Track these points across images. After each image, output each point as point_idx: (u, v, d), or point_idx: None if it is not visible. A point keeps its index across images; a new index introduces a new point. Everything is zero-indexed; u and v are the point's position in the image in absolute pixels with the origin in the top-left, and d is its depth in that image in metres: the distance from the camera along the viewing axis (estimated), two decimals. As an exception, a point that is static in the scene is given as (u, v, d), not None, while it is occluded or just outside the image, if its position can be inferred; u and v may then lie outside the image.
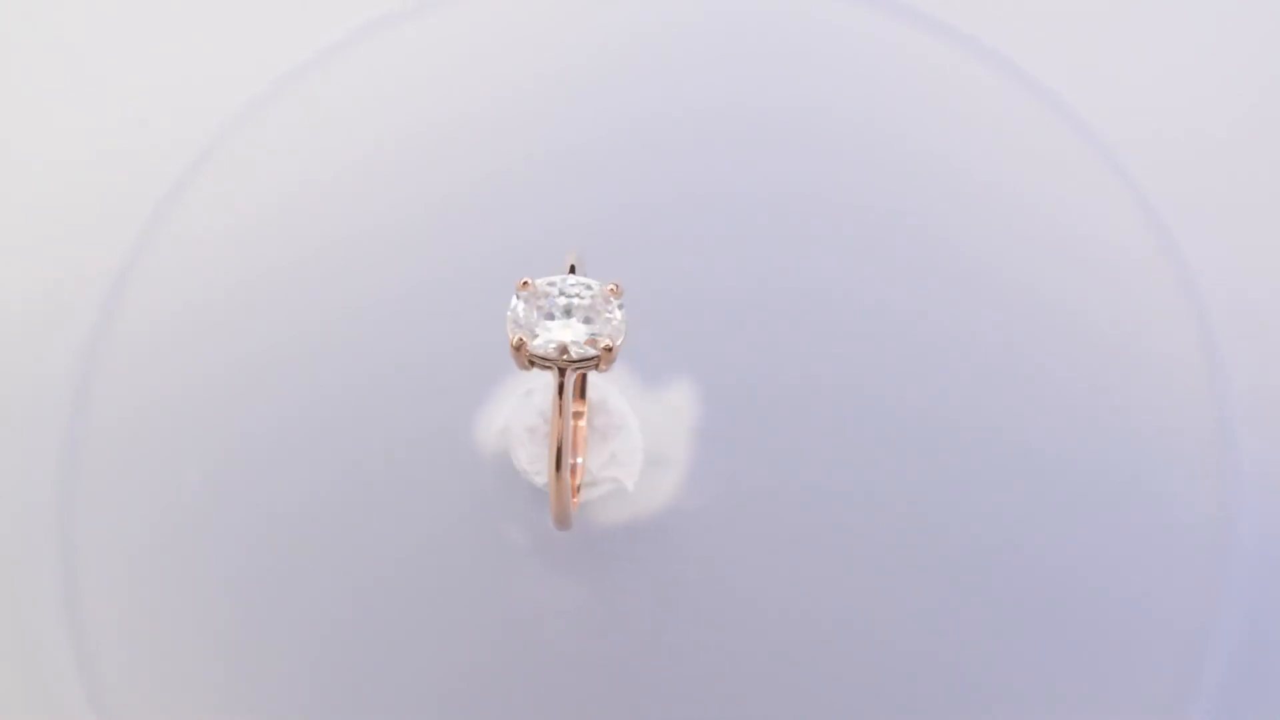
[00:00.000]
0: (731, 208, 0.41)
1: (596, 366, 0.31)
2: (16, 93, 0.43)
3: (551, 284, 0.31)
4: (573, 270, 0.32)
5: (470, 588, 0.38)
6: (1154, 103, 0.42)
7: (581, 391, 0.37)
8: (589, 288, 0.31)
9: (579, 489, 0.37)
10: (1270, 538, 0.37)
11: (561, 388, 0.31)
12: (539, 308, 0.31)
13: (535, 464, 0.37)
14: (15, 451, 0.39)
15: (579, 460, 0.37)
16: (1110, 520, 0.38)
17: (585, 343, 0.30)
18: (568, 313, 0.31)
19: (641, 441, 0.38)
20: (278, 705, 0.37)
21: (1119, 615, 0.37)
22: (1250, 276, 0.40)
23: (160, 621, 0.38)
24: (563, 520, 0.33)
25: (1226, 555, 0.37)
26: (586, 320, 0.31)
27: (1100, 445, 0.38)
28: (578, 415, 0.37)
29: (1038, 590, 0.37)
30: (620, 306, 0.31)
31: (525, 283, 0.31)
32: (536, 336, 0.30)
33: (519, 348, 0.30)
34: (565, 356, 0.30)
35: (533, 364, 0.30)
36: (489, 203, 0.41)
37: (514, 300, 0.31)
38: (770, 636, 0.37)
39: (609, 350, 0.30)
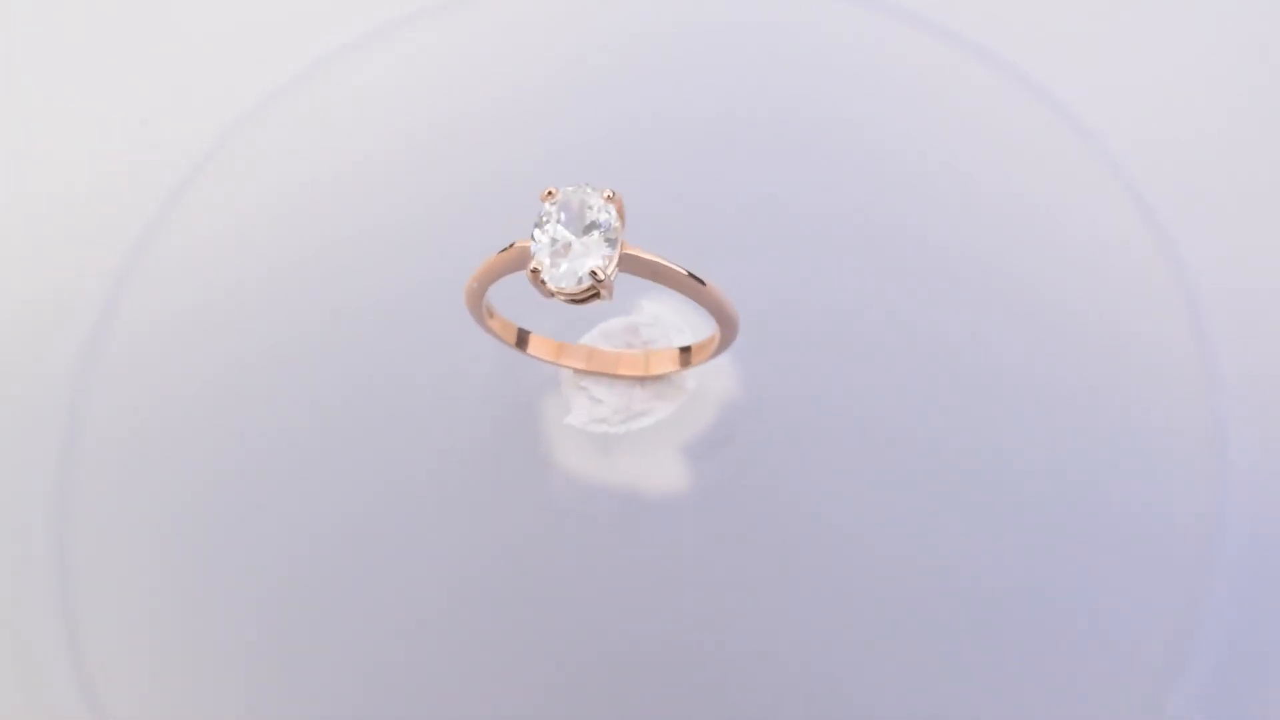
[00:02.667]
0: (735, 210, 0.41)
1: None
2: (17, 94, 0.43)
3: (599, 215, 0.31)
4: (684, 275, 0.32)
5: (473, 591, 0.38)
6: (1153, 105, 0.42)
7: (688, 356, 0.38)
8: (605, 247, 0.31)
9: (571, 368, 0.38)
10: (1262, 538, 0.37)
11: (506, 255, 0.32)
12: (584, 211, 0.31)
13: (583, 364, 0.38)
14: (14, 453, 0.39)
15: (586, 343, 0.38)
16: (1104, 520, 0.37)
17: (544, 266, 0.31)
18: (582, 229, 0.31)
19: (627, 432, 0.38)
20: (277, 708, 0.37)
21: (1109, 614, 0.37)
22: (1248, 278, 0.40)
23: (159, 624, 0.37)
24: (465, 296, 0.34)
25: (1217, 555, 0.37)
26: (576, 252, 0.31)
27: (1095, 445, 0.38)
28: (659, 377, 0.38)
29: (1030, 588, 0.37)
30: (594, 282, 0.31)
31: (610, 195, 0.31)
32: (554, 215, 0.31)
33: (549, 194, 0.31)
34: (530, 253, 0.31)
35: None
36: (490, 204, 0.41)
37: (588, 195, 0.31)
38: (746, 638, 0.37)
39: (535, 273, 0.31)
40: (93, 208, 0.41)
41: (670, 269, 0.31)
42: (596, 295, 0.31)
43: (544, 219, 0.31)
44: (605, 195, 0.31)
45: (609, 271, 0.30)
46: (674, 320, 0.39)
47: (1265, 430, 0.38)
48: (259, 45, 0.43)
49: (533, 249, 0.31)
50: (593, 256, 0.30)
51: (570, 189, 0.31)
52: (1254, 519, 0.37)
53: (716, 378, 0.39)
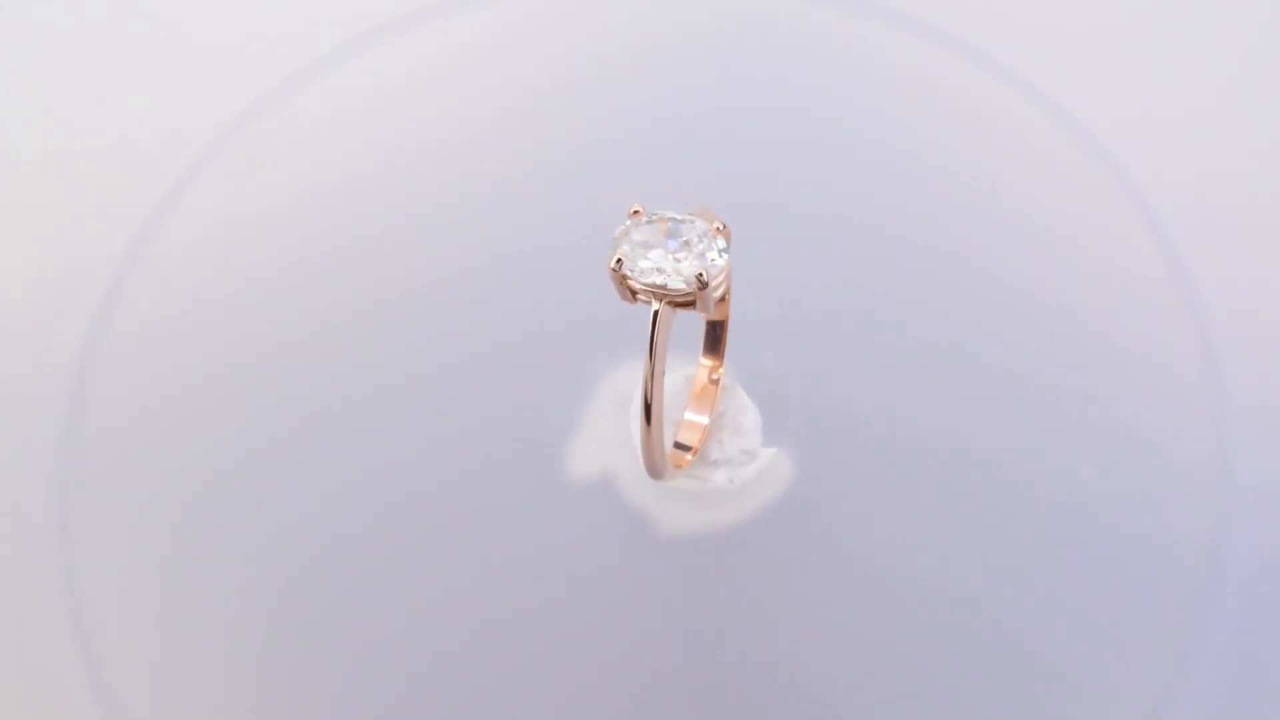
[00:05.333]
0: (742, 215, 0.41)
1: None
2: (17, 90, 0.43)
3: (681, 269, 0.32)
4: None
5: (475, 591, 0.37)
6: (1168, 126, 0.42)
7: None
8: (652, 272, 0.32)
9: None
10: (1269, 562, 0.37)
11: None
12: (694, 249, 0.32)
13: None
14: (15, 452, 0.39)
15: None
16: (1111, 542, 0.37)
17: (632, 216, 0.32)
18: (672, 246, 0.32)
19: (624, 425, 0.38)
20: (283, 703, 0.36)
21: (1113, 633, 0.37)
22: (1261, 301, 0.40)
23: (164, 619, 0.37)
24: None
25: (1225, 579, 0.37)
26: (636, 245, 0.32)
27: (1104, 467, 0.38)
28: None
29: (1037, 609, 0.37)
30: (611, 268, 0.32)
31: (700, 276, 0.32)
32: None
33: (717, 229, 0.32)
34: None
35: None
36: (490, 205, 0.41)
37: (708, 257, 0.32)
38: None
39: (637, 213, 0.32)
40: (92, 208, 0.41)
41: (647, 373, 0.32)
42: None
43: (674, 216, 0.32)
44: (697, 274, 0.31)
45: (615, 272, 0.32)
46: (751, 466, 0.38)
47: (1273, 456, 0.38)
48: (260, 47, 0.44)
49: (648, 213, 0.32)
50: (625, 257, 0.32)
51: (716, 239, 0.32)
52: (1261, 544, 0.38)
53: (693, 513, 0.38)
